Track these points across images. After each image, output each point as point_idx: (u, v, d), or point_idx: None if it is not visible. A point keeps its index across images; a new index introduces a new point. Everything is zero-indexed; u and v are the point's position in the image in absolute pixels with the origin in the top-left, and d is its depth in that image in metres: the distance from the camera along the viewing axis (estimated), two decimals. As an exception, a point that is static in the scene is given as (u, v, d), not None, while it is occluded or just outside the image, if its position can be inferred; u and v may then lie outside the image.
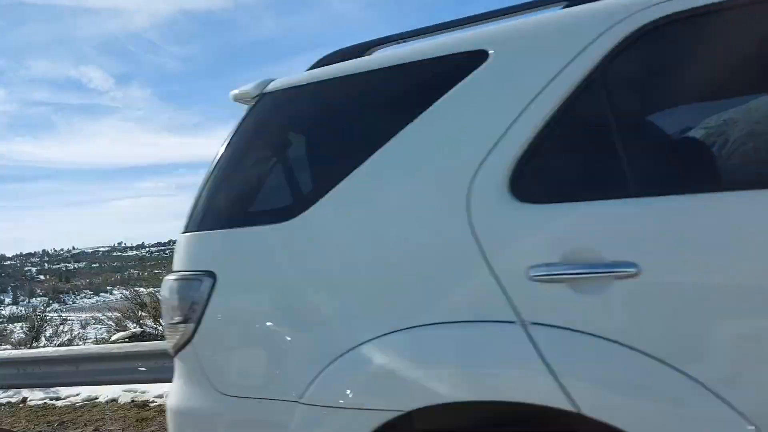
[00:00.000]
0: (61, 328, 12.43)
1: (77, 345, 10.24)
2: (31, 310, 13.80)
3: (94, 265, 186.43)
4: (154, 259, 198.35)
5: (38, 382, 5.50)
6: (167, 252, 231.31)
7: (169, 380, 5.23)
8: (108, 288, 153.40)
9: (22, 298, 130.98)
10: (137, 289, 11.68)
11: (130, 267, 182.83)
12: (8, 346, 9.76)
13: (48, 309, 13.27)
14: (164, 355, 4.69)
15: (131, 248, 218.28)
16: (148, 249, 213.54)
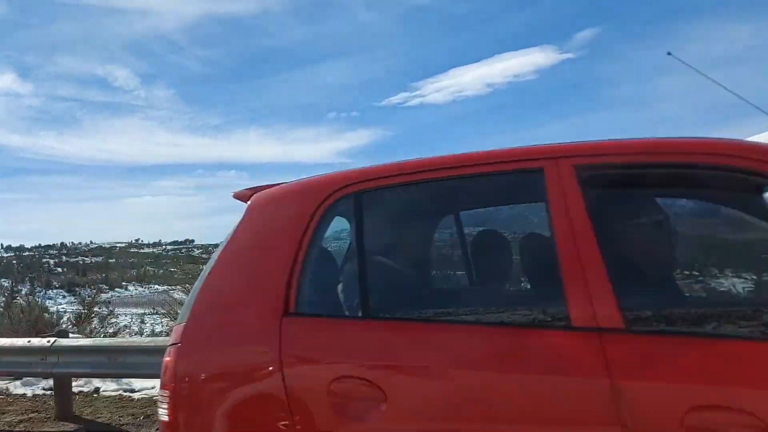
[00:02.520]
0: (111, 319, 12.55)
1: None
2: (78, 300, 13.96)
3: (111, 260, 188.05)
4: (170, 257, 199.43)
5: (131, 372, 5.57)
6: (183, 251, 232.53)
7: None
8: (123, 284, 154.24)
9: (39, 289, 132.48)
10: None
11: (146, 264, 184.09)
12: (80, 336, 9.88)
13: (96, 299, 13.44)
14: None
15: (148, 245, 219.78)
16: (164, 247, 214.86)
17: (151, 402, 6.24)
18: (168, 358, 2.11)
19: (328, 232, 2.30)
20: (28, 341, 6.14)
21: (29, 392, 7.11)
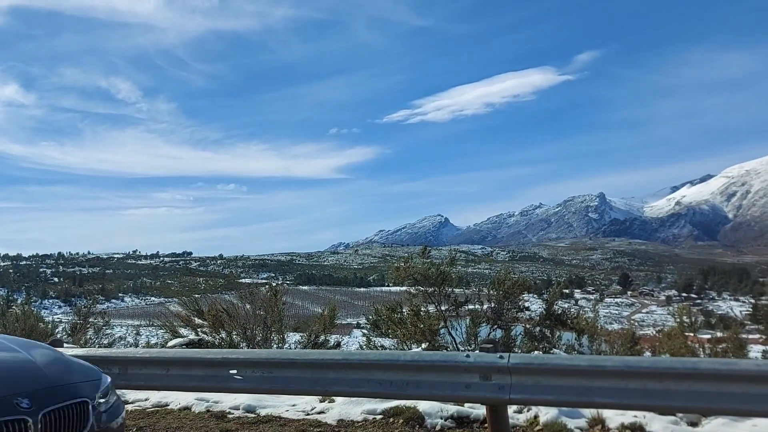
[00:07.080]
0: (106, 330, 12.50)
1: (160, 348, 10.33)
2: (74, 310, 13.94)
3: (108, 271, 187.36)
4: (168, 269, 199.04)
5: (124, 383, 5.55)
6: (180, 263, 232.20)
7: (270, 391, 5.40)
8: (120, 295, 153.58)
9: (35, 298, 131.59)
10: (195, 295, 11.79)
11: (143, 275, 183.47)
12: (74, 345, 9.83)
13: (91, 309, 13.37)
14: (262, 364, 4.70)
15: (145, 257, 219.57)
16: (162, 259, 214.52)
17: (144, 414, 6.21)
18: None
19: None
20: (23, 350, 6.12)
21: (22, 402, 7.07)
